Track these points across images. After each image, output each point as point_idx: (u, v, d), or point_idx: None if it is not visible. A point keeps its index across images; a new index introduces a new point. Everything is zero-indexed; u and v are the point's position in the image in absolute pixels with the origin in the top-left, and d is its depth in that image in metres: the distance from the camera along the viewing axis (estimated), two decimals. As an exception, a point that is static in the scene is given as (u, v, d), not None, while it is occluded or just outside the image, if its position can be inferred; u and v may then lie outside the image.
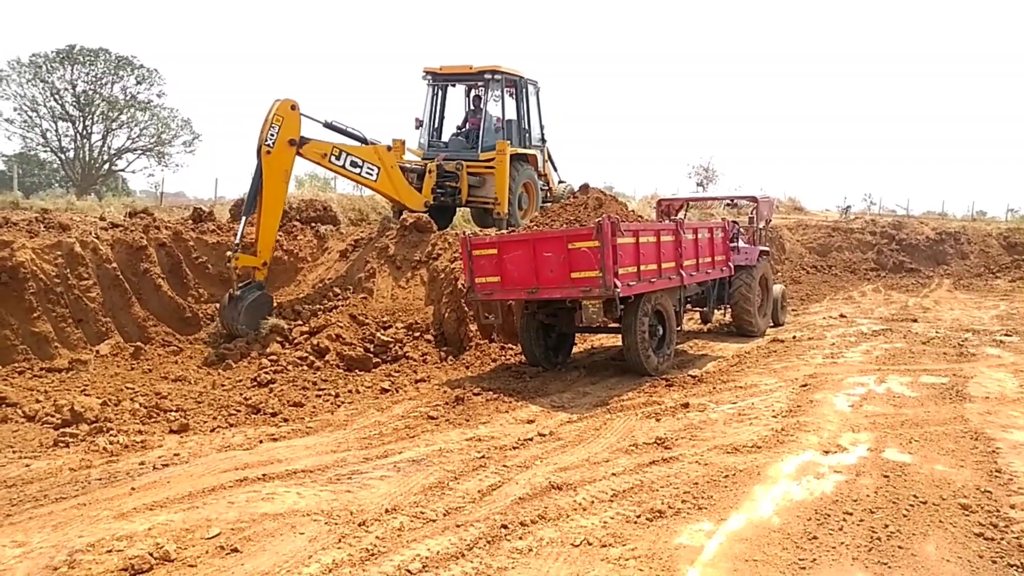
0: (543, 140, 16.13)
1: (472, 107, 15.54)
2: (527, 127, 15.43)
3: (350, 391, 9.22)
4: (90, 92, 37.20)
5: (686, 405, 7.96)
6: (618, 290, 8.64)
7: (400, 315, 11.77)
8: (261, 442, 7.07)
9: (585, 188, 14.49)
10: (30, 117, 36.71)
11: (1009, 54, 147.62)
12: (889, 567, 4.22)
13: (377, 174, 12.79)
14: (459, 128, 15.65)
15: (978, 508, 5.00)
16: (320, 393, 9.12)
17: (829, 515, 4.90)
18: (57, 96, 36.72)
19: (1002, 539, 4.55)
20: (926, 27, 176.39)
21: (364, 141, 12.80)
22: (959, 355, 10.76)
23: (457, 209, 15.92)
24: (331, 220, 15.40)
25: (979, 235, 27.41)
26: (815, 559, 4.31)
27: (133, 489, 5.68)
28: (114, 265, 11.29)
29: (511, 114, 15.16)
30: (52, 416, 7.84)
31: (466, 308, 11.24)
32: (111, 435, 7.26)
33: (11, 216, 12.17)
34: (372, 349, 10.74)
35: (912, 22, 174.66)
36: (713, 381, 9.30)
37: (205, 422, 7.93)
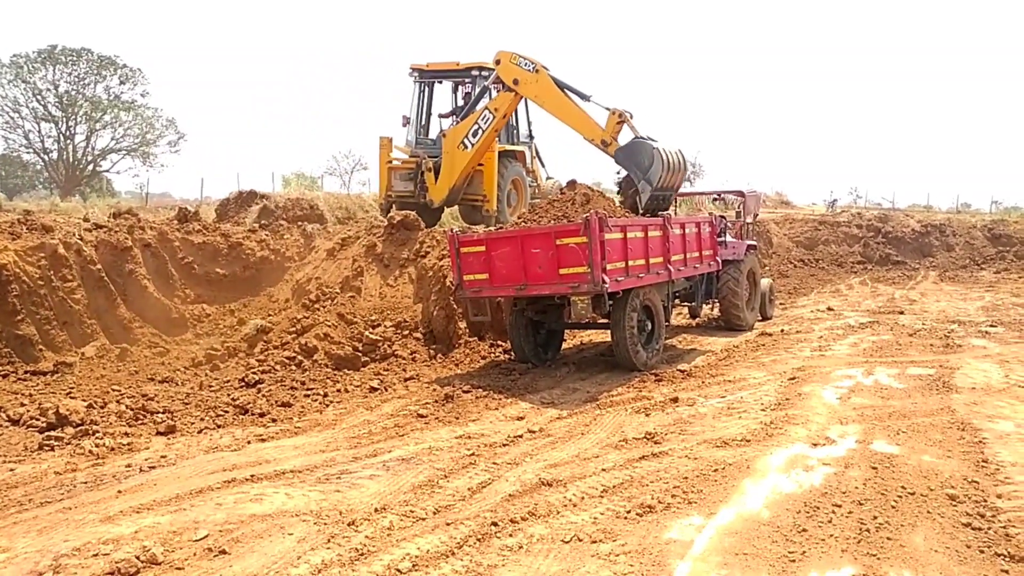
0: (531, 137, 16.10)
1: (460, 104, 15.49)
2: (515, 124, 15.39)
3: (339, 390, 9.17)
4: (73, 92, 36.80)
5: (675, 400, 7.98)
6: (606, 285, 8.65)
7: (388, 313, 11.71)
8: (249, 443, 7.03)
9: (572, 184, 14.41)
10: (12, 118, 36.32)
11: (993, 48, 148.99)
12: (878, 558, 4.24)
13: (471, 148, 13.53)
14: (441, 116, 15.60)
15: (965, 498, 5.04)
16: (308, 393, 9.06)
17: (818, 507, 4.93)
18: (39, 97, 36.30)
19: (989, 528, 4.58)
20: (910, 21, 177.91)
21: None
22: (945, 346, 10.84)
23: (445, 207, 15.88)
24: (318, 219, 15.38)
25: (964, 227, 27.66)
26: (805, 552, 4.33)
27: (119, 492, 5.63)
28: (99, 266, 11.18)
29: None
30: (37, 419, 7.75)
31: (455, 305, 11.21)
32: (97, 438, 7.19)
33: (-7, 218, 12.03)
34: (361, 348, 10.67)
35: (894, 17, 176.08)
36: (702, 375, 9.33)
37: (192, 423, 7.86)
